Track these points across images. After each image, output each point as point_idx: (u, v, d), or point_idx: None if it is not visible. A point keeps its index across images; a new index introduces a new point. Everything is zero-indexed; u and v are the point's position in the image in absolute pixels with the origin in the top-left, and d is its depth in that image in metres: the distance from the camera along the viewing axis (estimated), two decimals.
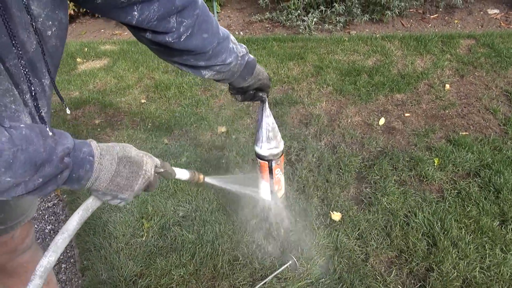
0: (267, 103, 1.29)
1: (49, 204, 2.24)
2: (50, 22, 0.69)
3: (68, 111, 0.89)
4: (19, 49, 0.63)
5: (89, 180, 0.70)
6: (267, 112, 1.31)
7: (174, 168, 0.93)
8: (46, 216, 2.17)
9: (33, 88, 0.69)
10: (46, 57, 0.72)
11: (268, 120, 1.31)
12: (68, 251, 1.92)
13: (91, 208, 0.79)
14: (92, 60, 3.95)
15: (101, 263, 1.77)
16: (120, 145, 0.76)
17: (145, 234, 1.88)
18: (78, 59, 3.98)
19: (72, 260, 1.88)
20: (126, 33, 4.72)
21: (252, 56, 1.09)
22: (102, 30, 4.86)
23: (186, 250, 1.76)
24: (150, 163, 0.79)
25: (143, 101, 3.11)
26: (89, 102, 3.13)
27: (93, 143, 0.72)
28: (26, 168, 0.59)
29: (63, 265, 1.87)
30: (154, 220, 1.94)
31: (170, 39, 0.86)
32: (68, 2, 0.75)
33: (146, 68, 3.60)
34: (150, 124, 2.76)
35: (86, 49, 4.22)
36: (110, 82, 3.44)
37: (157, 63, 3.64)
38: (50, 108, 0.84)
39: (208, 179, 1.08)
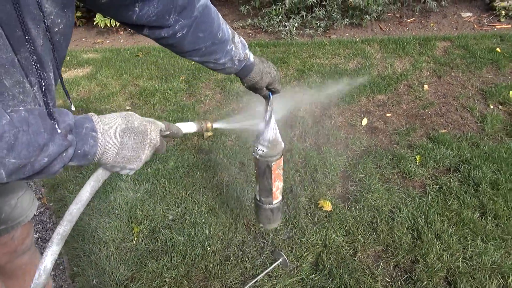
0: (271, 101, 1.21)
1: (35, 212, 2.22)
2: (59, 20, 0.71)
3: (73, 108, 0.91)
4: (31, 43, 0.65)
5: (96, 155, 0.70)
6: (269, 111, 1.23)
7: (180, 124, 0.93)
8: (33, 225, 2.14)
9: (43, 83, 0.71)
10: (47, 52, 0.73)
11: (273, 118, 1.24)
12: (56, 258, 1.90)
13: (102, 179, 0.79)
14: (75, 69, 3.93)
15: (92, 268, 1.77)
16: (122, 114, 0.75)
17: (135, 238, 1.88)
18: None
19: (61, 267, 1.87)
20: (108, 41, 4.71)
21: (252, 60, 1.09)
22: (84, 39, 4.83)
23: (177, 252, 1.77)
24: (154, 130, 0.78)
25: (128, 108, 3.11)
26: (74, 110, 3.10)
27: (95, 117, 0.71)
28: (29, 149, 0.59)
29: (52, 272, 1.85)
30: (143, 224, 1.95)
31: (165, 34, 0.90)
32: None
33: (130, 75, 3.60)
34: None
35: (68, 57, 4.19)
36: (94, 89, 3.43)
37: (141, 71, 3.65)
38: (55, 104, 0.86)
39: (216, 125, 1.08)
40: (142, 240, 1.87)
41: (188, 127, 0.96)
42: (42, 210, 2.22)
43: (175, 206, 2.05)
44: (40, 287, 0.76)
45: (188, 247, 1.80)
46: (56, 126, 0.63)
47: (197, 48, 0.95)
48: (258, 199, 1.33)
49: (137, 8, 0.83)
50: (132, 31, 4.62)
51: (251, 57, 1.09)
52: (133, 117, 0.76)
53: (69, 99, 0.86)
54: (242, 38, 1.07)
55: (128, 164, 0.75)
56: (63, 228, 0.75)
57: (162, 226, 1.93)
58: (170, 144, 2.58)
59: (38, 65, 0.69)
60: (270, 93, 1.20)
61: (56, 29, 0.71)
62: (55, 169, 0.65)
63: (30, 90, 0.72)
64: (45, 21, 0.67)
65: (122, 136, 0.72)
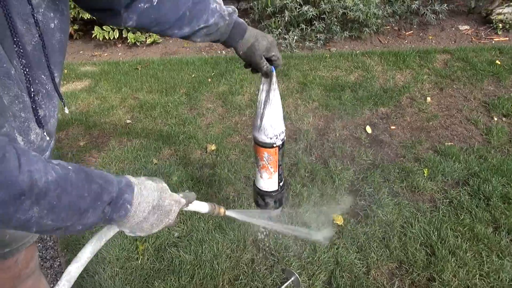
0: (274, 77, 1.09)
1: None
2: (52, 14, 0.67)
3: (66, 111, 0.89)
4: (19, 45, 0.60)
5: (118, 222, 0.70)
6: (273, 89, 1.11)
7: (196, 202, 0.94)
8: (37, 247, 2.07)
9: (32, 89, 0.67)
10: (49, 52, 0.69)
11: (272, 98, 1.12)
12: (58, 278, 1.83)
13: (106, 238, 0.78)
14: (73, 82, 3.87)
15: None
16: (159, 188, 0.75)
17: (141, 256, 1.82)
18: None
19: None
20: (106, 54, 4.67)
21: (242, 21, 1.04)
22: (81, 52, 4.79)
23: (184, 271, 1.71)
24: (176, 211, 0.79)
25: (128, 121, 3.05)
26: (72, 123, 3.05)
27: (136, 188, 0.70)
28: (69, 212, 0.57)
29: None
30: (148, 242, 1.88)
31: (143, 5, 0.88)
32: None
33: (130, 88, 3.55)
34: (137, 144, 2.70)
35: (66, 70, 4.14)
36: (93, 103, 3.38)
37: (140, 84, 3.61)
38: (56, 108, 0.82)
39: (228, 213, 1.09)
40: (148, 259, 1.81)
41: (201, 206, 0.98)
42: None
43: (181, 222, 1.99)
44: None
45: (196, 266, 1.74)
46: (100, 192, 0.62)
47: (181, 15, 0.92)
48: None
49: None
50: (130, 44, 4.59)
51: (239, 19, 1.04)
52: (166, 193, 0.77)
53: (63, 101, 0.83)
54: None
55: (139, 232, 0.75)
56: None
57: (168, 243, 1.87)
58: (173, 158, 2.53)
59: (27, 70, 0.64)
60: (273, 67, 1.09)
61: (52, 25, 0.67)
62: (81, 232, 0.65)
63: (29, 105, 0.68)
64: (34, 15, 0.62)
65: (150, 212, 0.73)
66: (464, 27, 4.25)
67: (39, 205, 0.53)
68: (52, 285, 1.48)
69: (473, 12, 4.38)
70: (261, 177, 1.28)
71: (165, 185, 0.79)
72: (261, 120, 1.14)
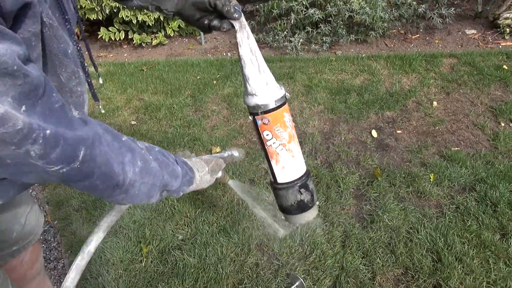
0: (243, 22, 0.85)
1: None
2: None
3: (101, 81, 0.93)
4: (70, 23, 0.66)
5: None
6: (244, 35, 0.85)
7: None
8: (42, 248, 2.07)
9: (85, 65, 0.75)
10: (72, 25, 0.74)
11: (247, 47, 0.86)
12: (62, 280, 1.82)
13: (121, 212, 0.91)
14: None
15: None
16: (215, 167, 0.97)
17: (144, 259, 1.81)
18: None
19: None
20: (111, 55, 4.68)
21: None
22: (87, 53, 4.80)
23: (188, 274, 1.70)
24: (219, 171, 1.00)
25: (133, 122, 3.06)
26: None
27: (194, 184, 0.88)
28: (143, 198, 0.71)
29: None
30: (152, 244, 1.88)
31: None
32: None
33: (135, 89, 3.56)
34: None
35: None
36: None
37: (145, 85, 3.61)
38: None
39: (231, 183, 1.19)
40: (152, 261, 1.80)
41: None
42: (46, 228, 2.14)
43: (185, 225, 1.99)
44: None
45: (200, 269, 1.73)
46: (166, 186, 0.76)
47: None
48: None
49: None
50: (135, 45, 4.60)
51: None
52: (221, 166, 1.00)
53: (97, 71, 0.96)
54: None
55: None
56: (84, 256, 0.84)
57: (172, 246, 1.87)
58: None
59: (79, 45, 0.71)
60: (237, 8, 0.84)
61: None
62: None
63: (84, 79, 0.74)
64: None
65: (202, 177, 0.91)
66: (471, 32, 4.23)
67: (127, 194, 0.65)
68: (56, 287, 1.48)
69: (480, 17, 4.36)
70: (292, 157, 0.94)
71: (221, 161, 1.00)
72: (264, 75, 0.87)
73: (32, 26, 0.53)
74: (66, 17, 0.63)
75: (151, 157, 0.71)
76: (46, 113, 0.49)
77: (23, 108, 0.46)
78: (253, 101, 0.89)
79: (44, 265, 1.22)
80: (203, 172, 0.91)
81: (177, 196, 0.82)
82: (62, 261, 1.94)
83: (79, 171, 0.54)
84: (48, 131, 0.48)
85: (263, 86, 0.87)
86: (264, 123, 0.90)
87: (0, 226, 1.00)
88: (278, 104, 0.89)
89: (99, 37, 4.52)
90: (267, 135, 0.91)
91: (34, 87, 0.47)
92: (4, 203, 0.78)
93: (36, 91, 0.47)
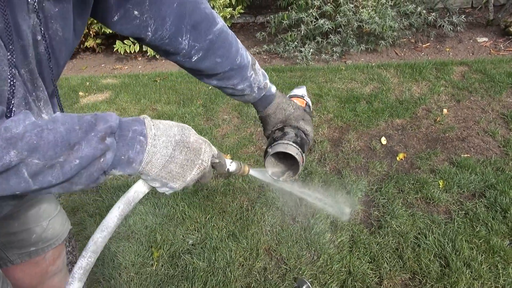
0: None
1: None
2: (56, 10, 0.63)
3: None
4: (20, 41, 0.58)
5: (141, 163, 0.63)
6: None
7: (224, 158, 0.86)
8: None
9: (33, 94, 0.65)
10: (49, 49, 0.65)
11: None
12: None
13: (134, 201, 0.70)
14: (94, 94, 4.01)
15: None
16: (179, 125, 0.69)
17: (155, 263, 1.86)
18: (80, 93, 4.03)
19: None
20: (126, 67, 4.81)
21: (273, 91, 1.02)
22: (103, 65, 4.95)
23: (197, 278, 1.74)
24: (208, 152, 0.71)
25: None
26: None
27: (147, 120, 0.64)
28: (56, 149, 0.53)
29: None
30: (163, 248, 1.92)
31: (180, 59, 0.89)
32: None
33: (148, 100, 3.65)
34: None
35: (87, 83, 4.29)
36: None
37: (159, 95, 3.70)
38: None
39: (252, 172, 0.98)
40: (162, 265, 1.85)
41: (229, 164, 0.87)
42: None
43: (195, 230, 2.03)
44: None
45: (209, 273, 1.76)
46: (94, 122, 0.57)
47: (215, 73, 0.93)
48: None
49: (149, 33, 0.82)
50: (149, 56, 4.73)
51: (273, 89, 1.02)
52: (190, 131, 0.69)
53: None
54: (262, 70, 1.01)
55: (170, 182, 0.68)
56: (86, 261, 0.65)
57: (182, 251, 1.91)
58: None
59: (29, 76, 0.63)
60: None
61: (55, 26, 0.64)
62: (93, 177, 0.59)
63: (34, 107, 0.65)
64: (37, 10, 0.60)
65: (174, 148, 0.66)
66: (482, 39, 4.22)
67: (16, 148, 0.50)
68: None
69: (492, 24, 4.35)
70: None
71: (187, 125, 0.71)
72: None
73: None
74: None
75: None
76: None
77: None
78: None
79: (66, 264, 1.27)
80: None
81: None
82: None
83: None
84: None
85: None
86: None
87: (22, 226, 1.05)
88: None
89: (114, 50, 4.66)
90: None
91: None
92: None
93: None
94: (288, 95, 1.08)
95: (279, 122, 1.01)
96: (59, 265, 1.18)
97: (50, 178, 0.55)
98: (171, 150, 0.65)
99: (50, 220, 1.10)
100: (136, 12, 0.79)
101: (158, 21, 0.81)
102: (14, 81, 0.58)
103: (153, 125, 0.64)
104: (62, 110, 0.77)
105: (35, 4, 0.59)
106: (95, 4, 0.75)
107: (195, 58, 0.88)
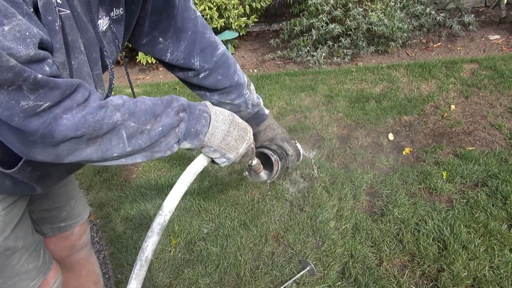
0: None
1: None
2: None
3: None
4: (107, 61, 0.89)
5: (206, 135, 0.81)
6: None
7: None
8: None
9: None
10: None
11: None
12: (102, 268, 2.08)
13: (197, 171, 0.84)
14: None
15: None
16: (228, 111, 0.87)
17: (173, 249, 2.03)
18: None
19: (107, 275, 2.04)
20: (148, 77, 5.08)
21: (266, 112, 1.22)
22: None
23: (211, 261, 1.90)
24: (250, 132, 0.90)
25: None
26: None
27: (208, 103, 0.85)
28: (147, 115, 0.71)
29: None
30: (180, 237, 2.10)
31: (191, 74, 1.12)
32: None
33: None
34: (173, 154, 2.97)
35: (113, 93, 4.56)
36: None
37: None
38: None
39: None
40: (179, 251, 2.02)
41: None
42: (90, 225, 2.43)
43: (210, 220, 2.20)
44: (141, 278, 0.76)
45: (221, 257, 1.92)
46: (170, 100, 0.77)
47: (216, 89, 1.14)
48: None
49: (168, 53, 1.05)
50: None
51: (266, 111, 1.23)
52: (236, 116, 0.89)
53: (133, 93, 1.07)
54: (257, 94, 1.22)
55: (228, 153, 0.85)
56: (163, 218, 0.78)
57: (197, 238, 2.08)
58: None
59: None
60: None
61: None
62: (170, 144, 0.76)
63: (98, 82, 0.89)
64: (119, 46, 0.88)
65: (230, 125, 0.84)
66: (494, 37, 4.25)
67: (120, 111, 0.67)
68: None
69: (504, 22, 4.37)
70: None
71: (232, 112, 0.89)
72: None
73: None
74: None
75: None
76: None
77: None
78: None
79: (90, 240, 1.46)
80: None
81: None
82: (103, 253, 2.20)
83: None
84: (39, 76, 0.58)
85: None
86: None
87: (55, 203, 1.25)
88: None
89: (137, 61, 4.94)
90: None
91: None
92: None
93: None
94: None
95: (267, 139, 1.21)
96: (85, 240, 1.37)
97: (140, 141, 0.72)
98: (228, 126, 0.84)
99: (76, 201, 1.30)
100: (160, 39, 1.03)
101: (175, 45, 1.04)
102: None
103: (213, 107, 0.84)
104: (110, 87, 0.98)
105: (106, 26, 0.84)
106: (132, 30, 0.99)
107: (202, 75, 1.11)
